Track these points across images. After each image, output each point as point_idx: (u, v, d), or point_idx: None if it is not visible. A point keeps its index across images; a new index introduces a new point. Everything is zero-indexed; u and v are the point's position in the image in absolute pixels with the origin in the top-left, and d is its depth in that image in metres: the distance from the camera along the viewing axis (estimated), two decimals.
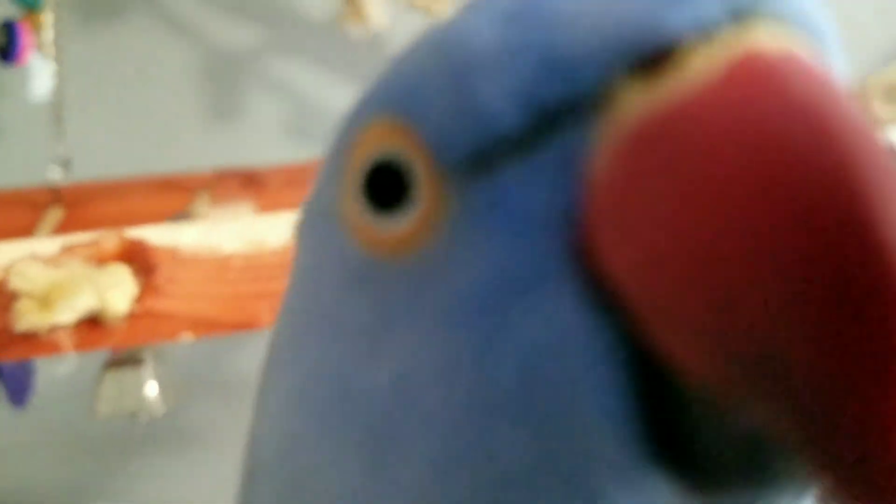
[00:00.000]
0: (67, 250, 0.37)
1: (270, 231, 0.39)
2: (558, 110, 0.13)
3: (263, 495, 0.18)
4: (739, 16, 0.12)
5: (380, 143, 0.15)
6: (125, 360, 0.46)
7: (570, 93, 0.13)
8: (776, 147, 0.10)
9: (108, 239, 0.38)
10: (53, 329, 0.35)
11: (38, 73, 1.02)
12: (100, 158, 1.04)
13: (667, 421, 0.12)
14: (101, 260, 0.38)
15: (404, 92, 0.15)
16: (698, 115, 0.11)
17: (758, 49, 0.12)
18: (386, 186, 0.15)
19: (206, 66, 1.37)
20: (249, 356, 0.97)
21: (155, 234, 0.39)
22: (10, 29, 1.01)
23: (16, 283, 0.35)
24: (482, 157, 0.14)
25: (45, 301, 0.35)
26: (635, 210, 0.12)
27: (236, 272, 0.39)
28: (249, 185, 0.87)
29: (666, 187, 0.11)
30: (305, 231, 0.18)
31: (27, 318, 0.35)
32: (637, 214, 0.12)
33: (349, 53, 1.28)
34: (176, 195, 0.84)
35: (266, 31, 1.37)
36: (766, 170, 0.10)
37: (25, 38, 1.02)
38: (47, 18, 1.10)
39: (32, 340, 0.36)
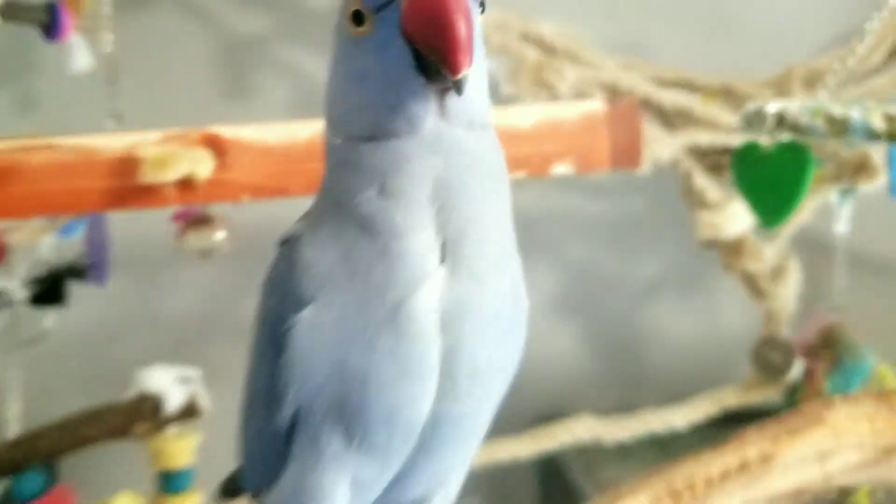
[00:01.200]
0: (171, 137, 0.58)
1: (300, 130, 0.61)
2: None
3: None
4: None
5: (355, 4, 0.43)
6: (202, 218, 0.67)
7: None
8: None
9: (196, 132, 0.59)
10: (163, 185, 0.55)
11: (79, 48, 1.13)
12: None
13: (427, 68, 0.41)
14: (191, 144, 0.58)
15: None
16: None
17: None
18: (357, 15, 0.44)
19: (221, 50, 1.54)
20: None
21: (226, 130, 0.60)
22: (52, 10, 1.13)
23: (140, 152, 0.55)
24: (380, 8, 0.42)
25: (159, 164, 0.56)
26: (410, 13, 0.40)
27: (278, 155, 0.61)
28: None
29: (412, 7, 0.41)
30: (336, 32, 0.46)
31: (147, 174, 0.56)
32: (410, 13, 0.40)
33: None
34: None
35: (275, 20, 1.55)
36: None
37: (66, 18, 1.13)
38: (87, 1, 1.23)
39: (149, 193, 0.57)
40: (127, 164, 0.58)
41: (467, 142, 0.40)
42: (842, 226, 1.35)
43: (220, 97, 1.53)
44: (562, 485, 1.37)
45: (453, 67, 0.36)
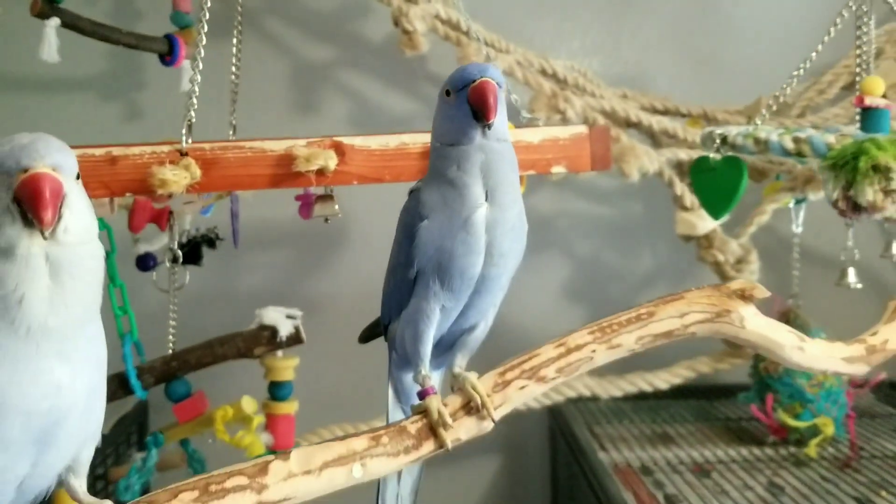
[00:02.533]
0: (312, 142, 0.92)
1: (391, 140, 0.94)
2: None
3: None
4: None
5: (447, 87, 0.80)
6: (326, 195, 1.00)
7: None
8: None
9: (327, 139, 0.92)
10: (307, 172, 0.89)
11: (187, 72, 1.36)
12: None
13: (476, 117, 0.79)
14: (324, 147, 0.92)
15: None
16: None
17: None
18: (448, 91, 0.81)
19: (293, 74, 1.79)
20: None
21: (345, 138, 0.93)
22: (172, 40, 1.37)
23: (294, 151, 0.89)
24: (458, 90, 0.80)
25: (307, 158, 0.89)
26: (470, 94, 0.78)
27: (377, 156, 0.94)
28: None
29: None
30: (439, 96, 0.82)
31: (299, 165, 0.89)
32: (470, 95, 0.78)
33: (400, 68, 1.71)
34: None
35: (338, 49, 1.80)
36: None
37: (182, 47, 1.37)
38: (197, 34, 1.43)
39: (298, 177, 0.89)
40: (286, 159, 0.91)
41: (497, 147, 0.77)
42: (796, 226, 1.61)
43: (291, 113, 1.76)
44: (567, 435, 1.58)
45: (487, 119, 0.75)
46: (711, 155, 1.18)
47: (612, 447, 1.48)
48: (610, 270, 1.84)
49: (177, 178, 0.87)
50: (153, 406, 1.50)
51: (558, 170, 0.98)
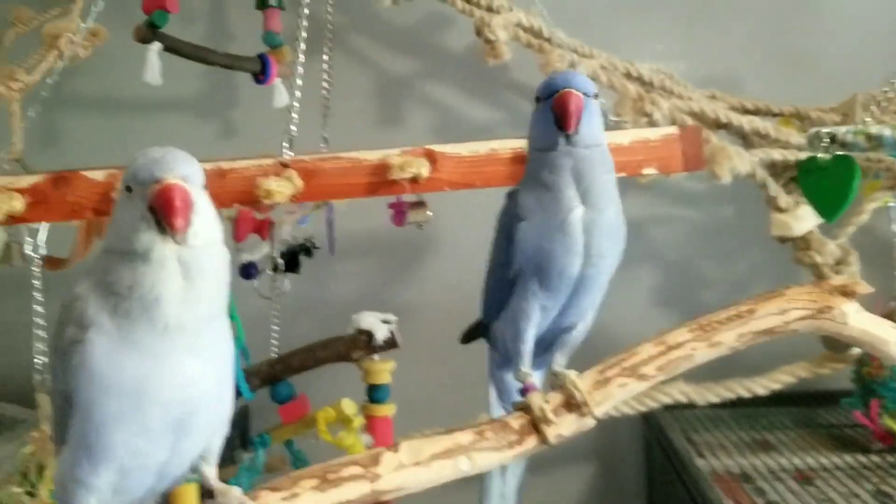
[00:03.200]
0: (406, 151, 0.95)
1: (480, 147, 0.97)
2: None
3: None
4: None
5: (538, 94, 0.81)
6: (418, 202, 1.03)
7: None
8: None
9: (419, 148, 0.96)
10: (401, 180, 0.92)
11: (279, 90, 1.42)
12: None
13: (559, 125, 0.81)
14: (417, 155, 0.95)
15: None
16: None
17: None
18: (538, 98, 0.85)
19: (377, 87, 1.83)
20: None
21: (436, 147, 0.97)
22: (264, 59, 1.42)
23: (389, 160, 0.92)
24: (545, 98, 0.83)
25: (401, 166, 0.92)
26: (554, 103, 0.82)
27: (467, 163, 0.97)
28: None
29: None
30: (534, 105, 0.84)
31: (394, 173, 0.93)
32: (554, 104, 0.82)
33: (483, 77, 1.73)
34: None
35: (421, 62, 1.83)
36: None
37: (274, 66, 1.42)
38: (287, 52, 1.44)
39: (392, 185, 0.93)
40: (380, 168, 0.95)
41: (586, 153, 0.79)
42: None
43: (379, 125, 1.81)
44: (662, 442, 1.57)
45: (567, 129, 0.78)
46: (820, 155, 1.16)
47: (710, 454, 1.46)
48: (702, 276, 1.81)
49: (281, 188, 0.91)
50: (254, 411, 1.56)
51: (649, 171, 0.98)
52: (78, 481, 0.65)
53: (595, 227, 0.77)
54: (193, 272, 0.64)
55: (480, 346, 0.94)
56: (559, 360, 0.82)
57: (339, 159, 0.96)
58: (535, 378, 0.84)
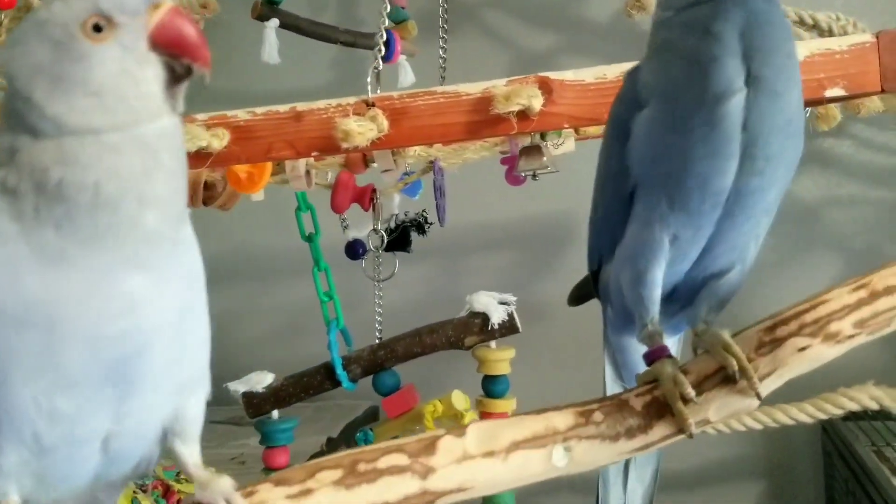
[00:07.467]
0: (513, 81, 0.78)
1: (609, 71, 0.79)
2: None
3: None
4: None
5: None
6: (532, 147, 0.86)
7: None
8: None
9: (532, 76, 0.79)
10: (508, 116, 0.75)
11: (405, 68, 1.33)
12: None
13: None
14: (527, 84, 0.78)
15: None
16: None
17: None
18: None
19: (515, 64, 1.72)
20: None
21: (552, 74, 0.79)
22: (388, 36, 1.34)
23: (492, 91, 0.76)
24: None
25: (506, 98, 0.75)
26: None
27: (592, 92, 0.79)
28: None
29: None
30: None
31: (498, 106, 0.76)
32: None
33: (628, 49, 1.57)
34: None
35: (560, 36, 1.72)
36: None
37: (398, 44, 1.31)
38: (413, 28, 1.40)
39: (497, 123, 0.77)
40: (482, 102, 0.78)
41: (764, 6, 0.55)
42: None
43: None
44: (847, 458, 1.36)
45: None
46: None
47: None
48: None
49: (362, 129, 0.77)
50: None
51: (834, 93, 0.75)
52: None
53: (766, 118, 0.53)
54: (167, 152, 0.47)
55: None
56: (705, 317, 0.58)
57: (434, 94, 0.80)
58: (670, 345, 0.60)
